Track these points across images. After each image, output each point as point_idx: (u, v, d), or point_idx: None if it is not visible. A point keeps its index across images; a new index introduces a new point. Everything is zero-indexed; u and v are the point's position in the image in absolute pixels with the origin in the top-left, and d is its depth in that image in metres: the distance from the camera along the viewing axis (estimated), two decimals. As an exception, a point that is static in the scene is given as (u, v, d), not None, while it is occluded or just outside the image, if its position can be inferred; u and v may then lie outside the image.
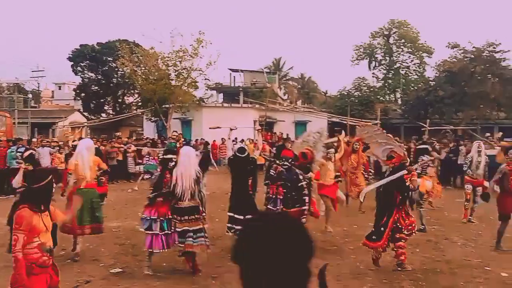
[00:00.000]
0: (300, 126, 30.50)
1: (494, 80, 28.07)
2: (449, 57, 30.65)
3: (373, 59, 42.42)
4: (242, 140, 18.27)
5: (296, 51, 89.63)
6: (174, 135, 17.35)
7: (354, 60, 43.04)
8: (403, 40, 40.76)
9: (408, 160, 7.64)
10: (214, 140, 23.25)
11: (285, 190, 7.30)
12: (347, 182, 10.86)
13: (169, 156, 6.55)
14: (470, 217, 9.69)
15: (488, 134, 19.93)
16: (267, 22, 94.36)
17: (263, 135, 23.25)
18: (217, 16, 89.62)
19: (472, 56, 28.58)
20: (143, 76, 25.87)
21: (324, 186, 8.89)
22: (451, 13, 76.30)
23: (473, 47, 28.64)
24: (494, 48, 28.16)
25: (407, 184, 6.33)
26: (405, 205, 6.51)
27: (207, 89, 32.92)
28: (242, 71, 38.16)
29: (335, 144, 10.64)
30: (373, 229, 6.51)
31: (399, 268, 6.26)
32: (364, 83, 37.14)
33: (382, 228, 6.31)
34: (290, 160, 7.47)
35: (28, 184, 3.73)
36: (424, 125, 26.41)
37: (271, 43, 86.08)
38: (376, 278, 6.00)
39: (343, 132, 13.21)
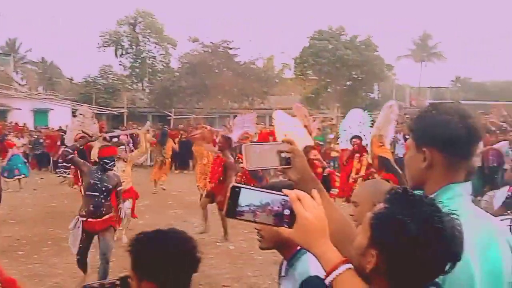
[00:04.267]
0: (41, 114, 27.90)
1: (229, 74, 31.36)
2: (190, 50, 32.82)
3: (120, 47, 41.99)
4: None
5: (35, 32, 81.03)
6: None
7: (100, 47, 41.82)
8: (149, 31, 41.56)
9: None
10: None
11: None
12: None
13: None
14: None
15: (225, 123, 22.42)
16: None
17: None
18: None
19: (210, 51, 31.28)
20: None
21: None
22: (192, 9, 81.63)
23: (211, 42, 31.39)
24: (228, 44, 31.48)
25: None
26: None
27: None
28: (-35, 49, 32.39)
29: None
30: None
31: None
32: (110, 70, 36.42)
33: None
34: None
35: None
36: (170, 114, 27.71)
37: (3, 21, 75.43)
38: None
39: (148, 123, 12.62)
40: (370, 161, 7.40)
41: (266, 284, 5.73)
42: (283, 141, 1.44)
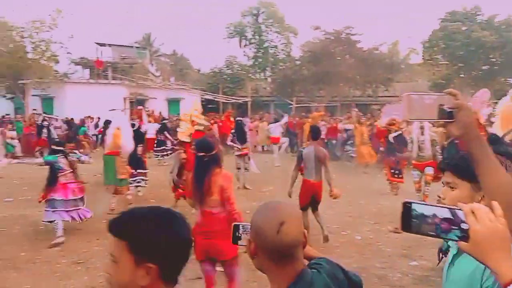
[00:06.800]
0: (173, 103, 30.14)
1: (351, 61, 30.65)
2: (312, 38, 32.69)
3: (244, 37, 43.41)
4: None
5: (167, 27, 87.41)
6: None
7: (226, 38, 43.72)
8: (271, 20, 42.30)
9: None
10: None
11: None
12: None
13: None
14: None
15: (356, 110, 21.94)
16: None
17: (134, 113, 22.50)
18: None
19: (332, 38, 30.82)
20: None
21: None
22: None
23: (333, 29, 30.90)
24: (350, 31, 30.70)
25: None
26: None
27: (70, 64, 30.61)
28: (110, 45, 36.02)
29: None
30: None
31: None
32: (235, 61, 37.92)
33: None
34: None
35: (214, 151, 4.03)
36: (291, 102, 28.02)
37: (140, 17, 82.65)
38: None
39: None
40: None
41: (396, 277, 5.49)
42: (447, 94, 1.38)
